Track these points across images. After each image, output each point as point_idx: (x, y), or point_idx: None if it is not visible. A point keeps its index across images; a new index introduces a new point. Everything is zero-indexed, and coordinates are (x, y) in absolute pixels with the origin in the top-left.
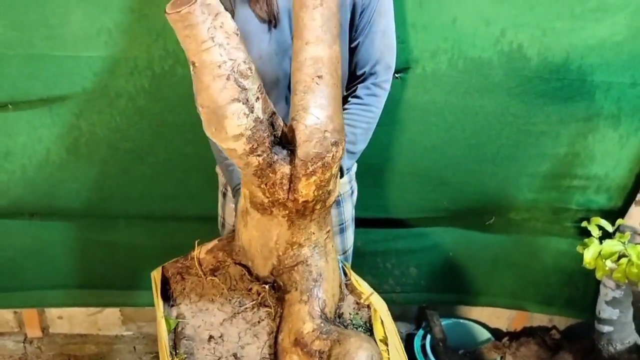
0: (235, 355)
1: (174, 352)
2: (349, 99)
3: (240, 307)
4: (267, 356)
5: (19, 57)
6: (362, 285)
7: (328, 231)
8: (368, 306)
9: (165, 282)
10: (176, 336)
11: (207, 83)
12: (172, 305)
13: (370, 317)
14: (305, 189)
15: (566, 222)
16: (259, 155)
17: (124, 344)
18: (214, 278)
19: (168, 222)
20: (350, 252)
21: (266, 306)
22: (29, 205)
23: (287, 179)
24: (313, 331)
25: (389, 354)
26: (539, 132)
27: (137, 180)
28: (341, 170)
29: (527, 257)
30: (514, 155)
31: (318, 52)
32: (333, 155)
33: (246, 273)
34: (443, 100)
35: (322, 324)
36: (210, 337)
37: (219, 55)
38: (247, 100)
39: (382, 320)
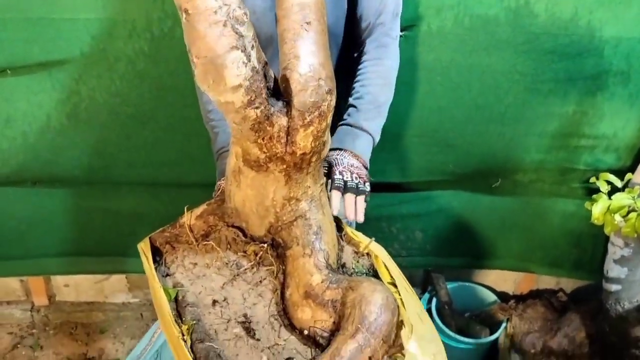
0: (245, 315)
1: (179, 321)
2: (359, 59)
3: (239, 269)
4: (276, 313)
5: (16, 21)
6: (359, 236)
7: (322, 184)
8: (367, 254)
9: (154, 254)
10: (178, 305)
11: (202, 31)
12: (166, 276)
13: (372, 264)
14: (303, 141)
15: (574, 183)
16: (256, 108)
17: (131, 311)
18: (207, 243)
19: (171, 189)
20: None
21: (265, 265)
22: (31, 172)
23: (284, 131)
24: (322, 282)
25: (400, 295)
26: (547, 90)
27: (139, 146)
28: (371, 135)
29: (534, 220)
30: (521, 114)
31: None
32: (328, 103)
33: (240, 235)
34: (449, 59)
35: (330, 274)
36: (214, 301)
37: (214, 0)
38: (245, 48)
39: (385, 265)
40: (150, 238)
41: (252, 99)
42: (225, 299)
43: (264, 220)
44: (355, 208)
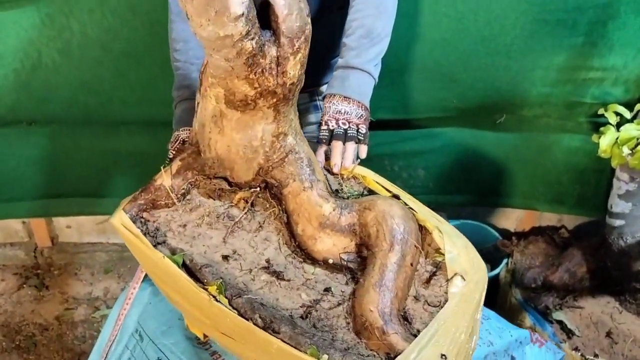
0: (268, 260)
1: (203, 285)
2: None
3: (232, 220)
4: (290, 252)
5: None
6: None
7: (296, 113)
8: (354, 177)
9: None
10: (190, 270)
11: None
12: (157, 245)
13: (364, 185)
14: (293, 70)
15: (580, 117)
16: (252, 39)
17: None
18: (189, 200)
19: (170, 127)
20: None
21: (257, 210)
22: (27, 112)
23: (275, 62)
24: (334, 210)
25: (407, 205)
26: (555, 20)
27: (134, 84)
28: (364, 70)
29: (537, 156)
30: (528, 46)
31: None
32: (309, 26)
33: (224, 184)
34: None
35: (337, 201)
36: (225, 257)
37: None
38: None
39: (378, 183)
40: (123, 211)
41: (249, 29)
42: (235, 252)
43: (252, 163)
44: (345, 155)
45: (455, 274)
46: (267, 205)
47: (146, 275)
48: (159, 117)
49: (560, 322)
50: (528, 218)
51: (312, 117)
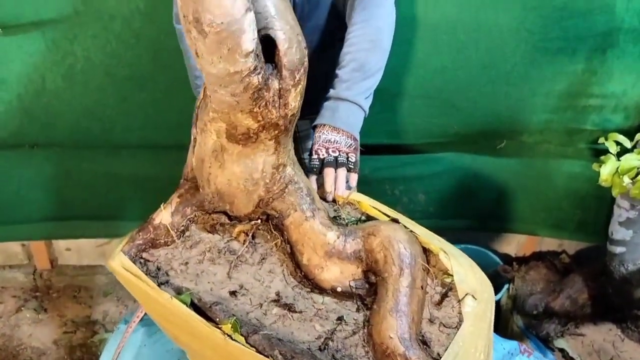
0: (278, 293)
1: (216, 324)
2: (348, 23)
3: (234, 254)
4: (297, 283)
5: None
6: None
7: (292, 143)
8: (349, 203)
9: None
10: (199, 309)
11: None
12: (161, 285)
13: (361, 211)
14: (294, 101)
15: (580, 144)
16: (258, 73)
17: None
18: (188, 237)
19: (172, 152)
20: None
21: (258, 242)
22: (29, 136)
23: (277, 94)
24: (338, 237)
25: (408, 228)
26: (556, 48)
27: (137, 108)
28: (354, 102)
29: (538, 181)
30: (528, 74)
31: None
32: (306, 58)
33: (224, 218)
34: (455, 16)
35: (340, 229)
36: (232, 292)
37: None
38: (250, 8)
39: (374, 207)
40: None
41: (257, 64)
42: (242, 287)
43: (252, 195)
44: (337, 182)
45: (467, 294)
46: (268, 237)
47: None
48: (161, 141)
49: (562, 350)
50: (529, 243)
51: None
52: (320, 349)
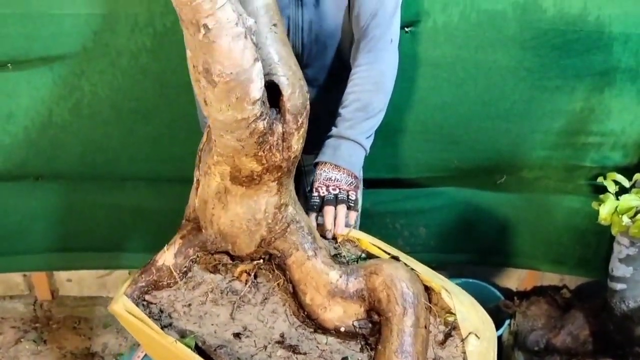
0: (282, 335)
1: None
2: (353, 65)
3: (236, 294)
4: (300, 323)
5: (17, 16)
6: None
7: (293, 183)
8: (349, 241)
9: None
10: (204, 352)
11: (226, 46)
12: (163, 328)
13: (362, 249)
14: (297, 144)
15: (580, 180)
16: (264, 119)
17: None
18: (190, 278)
19: (175, 184)
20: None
21: (260, 282)
22: (34, 168)
23: (281, 138)
24: (341, 277)
25: (408, 266)
26: (554, 87)
27: (142, 141)
28: (355, 141)
29: (538, 216)
30: (527, 111)
31: None
32: (308, 101)
33: (226, 258)
34: (454, 54)
35: (342, 267)
36: (235, 334)
37: (232, 11)
38: (258, 58)
39: (374, 245)
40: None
41: (263, 110)
42: (245, 328)
43: (254, 235)
44: (337, 219)
45: (470, 333)
46: (270, 277)
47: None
48: (165, 174)
49: None
50: (530, 277)
51: None
52: None
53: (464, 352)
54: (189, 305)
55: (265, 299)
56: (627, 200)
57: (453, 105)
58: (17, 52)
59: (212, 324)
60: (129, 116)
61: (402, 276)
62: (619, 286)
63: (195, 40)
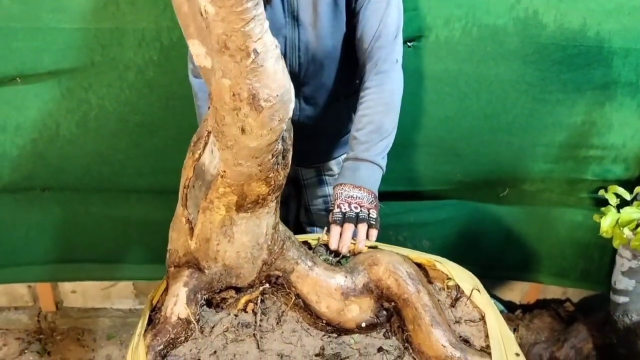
0: (322, 347)
1: None
2: (361, 85)
3: (250, 327)
4: (323, 332)
5: (26, 30)
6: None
7: None
8: (321, 245)
9: None
10: None
11: (272, 69)
12: None
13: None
14: (290, 160)
15: (582, 193)
16: (281, 139)
17: (138, 317)
18: (204, 324)
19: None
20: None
21: (267, 306)
22: (41, 180)
23: (281, 156)
24: (346, 277)
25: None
26: (555, 100)
27: (148, 154)
28: (373, 162)
29: (541, 229)
30: (529, 124)
31: None
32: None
33: (232, 292)
34: (457, 69)
35: (342, 268)
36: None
37: (270, 33)
38: None
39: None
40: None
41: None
42: (281, 355)
43: (257, 261)
44: (358, 236)
45: (473, 289)
46: (275, 299)
47: None
48: (170, 186)
49: None
50: (533, 290)
51: (319, 191)
52: None
53: (477, 307)
54: (215, 352)
55: (279, 321)
56: (628, 212)
57: (456, 118)
58: (27, 65)
59: None
60: (135, 129)
61: (398, 260)
62: (621, 299)
63: (242, 67)
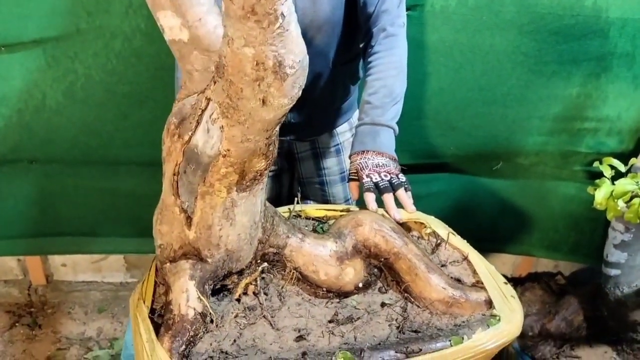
0: (336, 313)
1: None
2: (368, 50)
3: (255, 309)
4: (328, 300)
5: None
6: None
7: None
8: (296, 216)
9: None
10: None
11: (295, 33)
12: None
13: (311, 217)
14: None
15: (575, 166)
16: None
17: (129, 290)
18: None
19: None
20: (352, 199)
21: (268, 285)
22: (28, 151)
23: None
24: (336, 242)
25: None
26: (551, 72)
27: (136, 125)
28: (390, 127)
29: (533, 203)
30: (524, 96)
31: None
32: None
33: (235, 277)
34: (452, 39)
35: (328, 235)
36: (297, 338)
37: None
38: None
39: (320, 209)
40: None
41: None
42: (298, 329)
43: (254, 241)
44: (403, 202)
45: (448, 232)
46: (272, 277)
47: None
48: (158, 158)
49: None
50: (524, 263)
51: (313, 165)
52: (402, 338)
53: (457, 248)
54: (235, 341)
55: (282, 298)
56: (623, 184)
57: (450, 90)
58: (10, 33)
59: (271, 344)
60: (123, 100)
61: (379, 217)
62: (613, 272)
63: (269, 33)
